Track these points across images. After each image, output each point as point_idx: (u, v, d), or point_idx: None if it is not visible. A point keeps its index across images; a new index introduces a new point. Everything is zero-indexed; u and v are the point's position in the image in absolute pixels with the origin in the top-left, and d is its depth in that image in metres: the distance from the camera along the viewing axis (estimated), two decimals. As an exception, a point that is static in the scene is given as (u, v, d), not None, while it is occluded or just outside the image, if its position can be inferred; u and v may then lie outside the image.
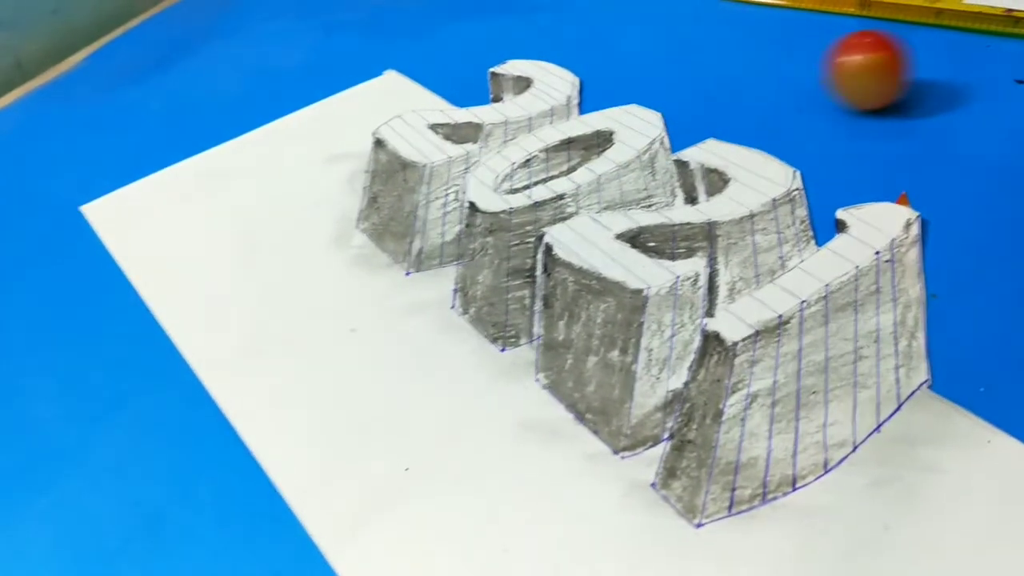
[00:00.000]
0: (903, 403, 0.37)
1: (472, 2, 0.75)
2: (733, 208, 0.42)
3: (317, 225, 0.53)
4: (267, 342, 0.46)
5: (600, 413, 0.39)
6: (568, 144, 0.49)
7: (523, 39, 0.68)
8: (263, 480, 0.40)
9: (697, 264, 0.40)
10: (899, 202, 0.43)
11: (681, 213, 0.42)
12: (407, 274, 0.49)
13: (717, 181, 0.45)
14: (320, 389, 0.43)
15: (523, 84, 0.56)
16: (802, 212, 0.43)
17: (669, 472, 0.36)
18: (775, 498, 0.35)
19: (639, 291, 0.38)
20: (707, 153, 0.46)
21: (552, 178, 0.47)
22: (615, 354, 0.39)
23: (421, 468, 0.39)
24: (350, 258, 0.51)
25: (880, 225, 0.39)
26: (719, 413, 0.35)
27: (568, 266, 0.40)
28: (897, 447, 0.36)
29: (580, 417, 0.40)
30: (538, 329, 0.43)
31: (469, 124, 0.52)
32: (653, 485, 0.37)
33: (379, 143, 0.52)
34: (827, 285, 0.37)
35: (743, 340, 0.35)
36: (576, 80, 0.56)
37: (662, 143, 0.48)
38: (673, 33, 0.66)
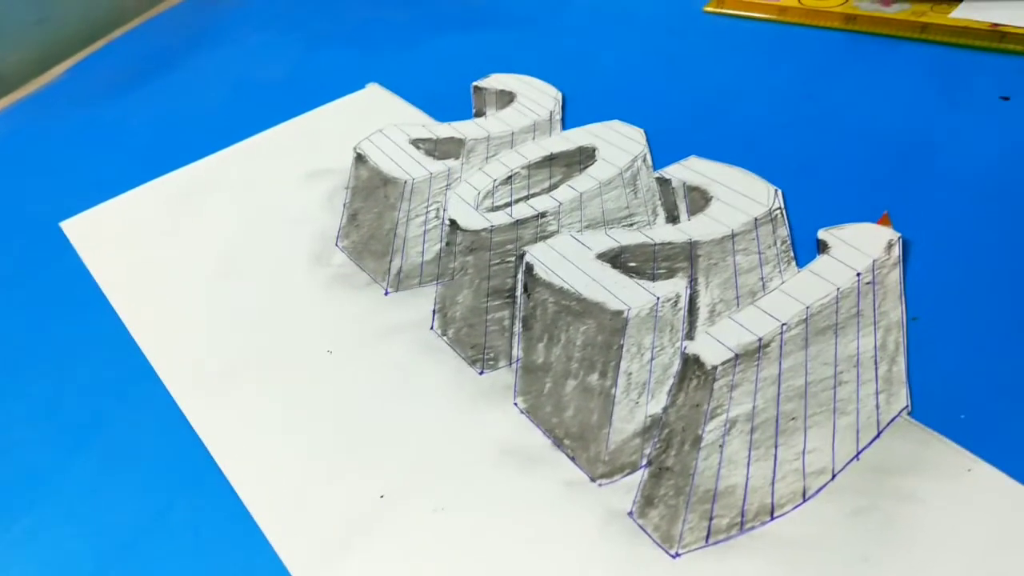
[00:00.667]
0: (883, 430, 0.37)
1: (455, 15, 0.75)
2: (714, 228, 0.42)
3: (296, 243, 0.53)
4: (245, 364, 0.46)
5: (578, 439, 0.39)
6: (550, 161, 0.49)
7: (506, 53, 0.67)
8: (238, 507, 0.39)
9: (678, 285, 0.39)
10: (881, 222, 0.43)
11: (662, 232, 0.42)
12: (386, 293, 0.49)
13: (699, 199, 0.44)
14: (296, 413, 0.43)
15: (506, 98, 0.56)
16: (783, 232, 0.43)
17: (647, 500, 0.36)
18: (753, 527, 0.35)
19: (619, 312, 0.38)
20: (689, 171, 0.46)
21: (534, 195, 0.47)
22: (594, 378, 0.39)
23: (396, 495, 0.38)
24: (329, 277, 0.50)
25: (862, 246, 0.39)
26: (698, 439, 0.35)
27: (548, 286, 0.40)
28: (876, 476, 0.36)
29: (558, 443, 0.40)
30: (517, 352, 0.42)
31: (451, 139, 0.52)
32: (630, 514, 0.36)
33: (360, 158, 0.51)
34: (808, 308, 0.36)
35: (723, 364, 0.35)
36: (559, 95, 0.56)
37: (644, 160, 0.47)
38: (657, 47, 0.66)
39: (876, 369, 0.37)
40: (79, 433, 0.44)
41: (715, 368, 0.35)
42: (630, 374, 0.38)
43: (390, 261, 0.49)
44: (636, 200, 0.47)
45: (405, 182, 0.48)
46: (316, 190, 0.57)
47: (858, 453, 0.37)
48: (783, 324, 0.36)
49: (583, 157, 0.49)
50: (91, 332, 0.50)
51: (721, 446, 0.35)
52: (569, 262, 0.41)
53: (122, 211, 0.59)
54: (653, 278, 0.41)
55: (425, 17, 0.76)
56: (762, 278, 0.42)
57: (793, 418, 0.36)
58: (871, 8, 0.63)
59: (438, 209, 0.49)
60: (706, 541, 0.35)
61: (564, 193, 0.45)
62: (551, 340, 0.40)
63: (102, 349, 0.48)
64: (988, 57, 0.58)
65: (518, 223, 0.44)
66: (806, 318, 0.36)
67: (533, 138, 0.52)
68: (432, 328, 0.46)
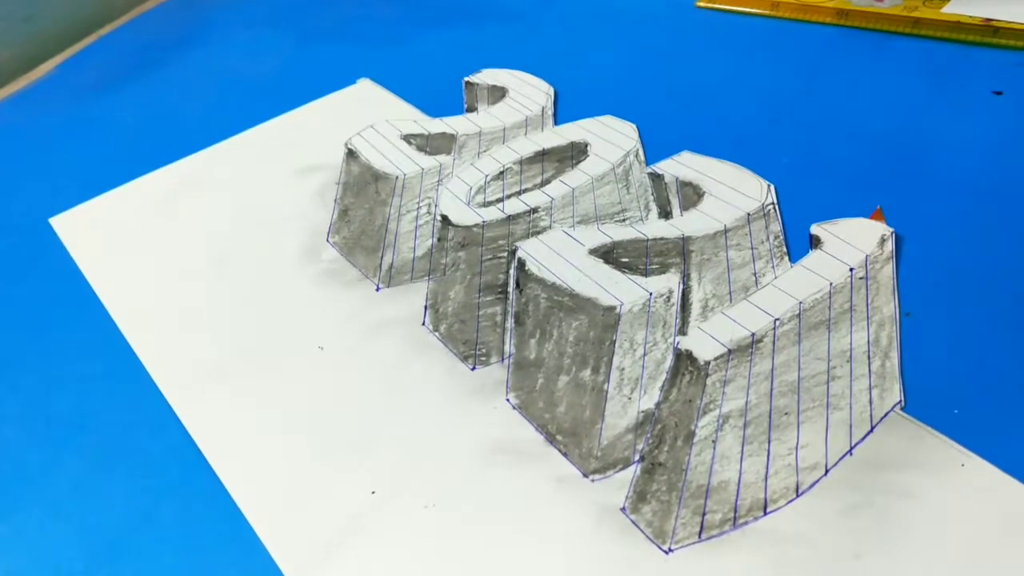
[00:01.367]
0: (876, 425, 0.37)
1: (446, 11, 0.75)
2: (707, 223, 0.41)
3: (288, 238, 0.53)
4: (235, 361, 0.46)
5: (571, 435, 0.39)
6: (542, 156, 0.48)
7: (498, 48, 0.67)
8: (229, 504, 0.39)
9: (670, 280, 0.39)
10: (874, 217, 0.43)
11: (655, 228, 0.41)
12: (378, 289, 0.48)
13: (691, 195, 0.44)
14: (287, 410, 0.43)
15: (498, 93, 0.56)
16: (776, 227, 0.42)
17: (639, 496, 0.36)
18: (746, 523, 0.35)
19: (612, 308, 0.37)
20: (682, 166, 0.46)
21: (526, 191, 0.47)
22: (586, 373, 0.38)
23: (388, 491, 0.38)
24: (320, 273, 0.50)
25: (854, 241, 0.39)
26: (690, 434, 0.35)
27: (540, 282, 0.40)
28: (869, 471, 0.35)
29: (550, 439, 0.39)
30: (509, 347, 0.42)
31: (442, 135, 0.51)
32: (623, 509, 0.36)
33: (351, 154, 0.51)
34: (800, 303, 0.36)
35: (716, 359, 0.34)
36: (551, 90, 0.56)
37: (636, 156, 0.47)
38: (650, 42, 0.66)
39: (869, 364, 0.37)
40: (68, 430, 0.44)
41: (708, 363, 0.34)
42: (623, 370, 0.38)
43: (381, 257, 0.49)
44: (628, 195, 0.47)
45: (396, 178, 0.48)
46: (307, 186, 0.57)
47: (851, 448, 0.36)
48: (776, 319, 0.35)
49: (575, 152, 0.48)
50: (80, 328, 0.49)
51: (714, 441, 0.35)
52: (561, 257, 0.40)
53: (112, 207, 0.58)
54: (646, 273, 0.41)
55: (416, 12, 0.75)
56: (755, 273, 0.42)
57: (786, 413, 0.36)
58: (864, 3, 0.63)
59: (429, 205, 0.48)
60: (699, 537, 0.35)
61: (556, 188, 0.45)
62: (543, 336, 0.40)
63: (91, 346, 0.48)
64: (980, 52, 0.58)
65: (510, 218, 0.44)
66: (799, 313, 0.36)
67: (525, 133, 0.52)
68: (424, 324, 0.46)
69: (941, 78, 0.55)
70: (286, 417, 0.42)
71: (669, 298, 0.38)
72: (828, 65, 0.58)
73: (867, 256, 0.38)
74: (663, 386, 0.37)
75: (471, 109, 0.58)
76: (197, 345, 0.47)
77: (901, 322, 0.39)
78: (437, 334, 0.45)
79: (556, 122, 0.54)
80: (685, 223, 0.42)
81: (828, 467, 0.36)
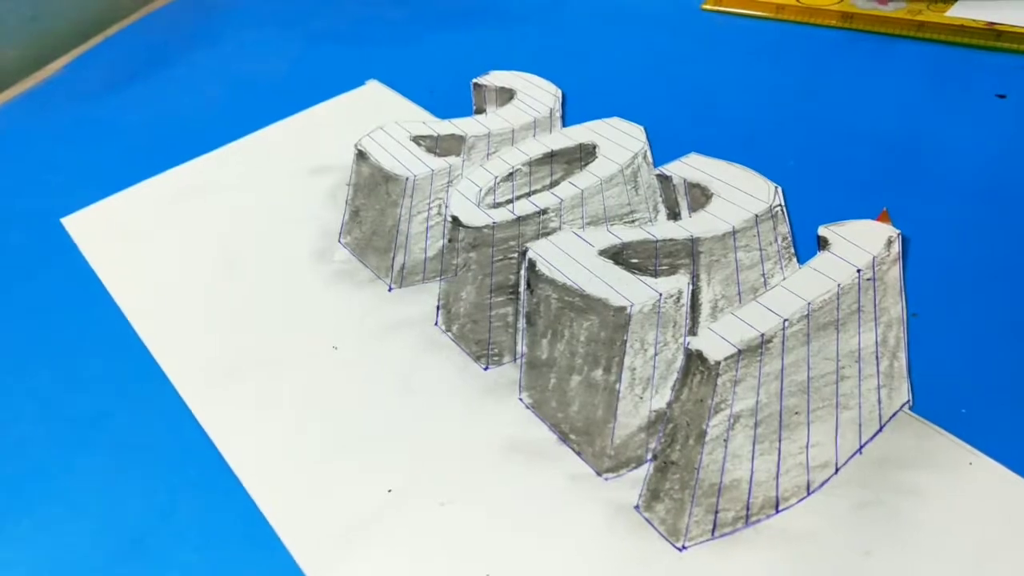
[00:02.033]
0: (885, 424, 0.38)
1: (455, 12, 0.75)
2: (715, 224, 0.42)
3: (299, 239, 0.53)
4: (250, 360, 0.46)
5: (583, 434, 0.39)
6: (551, 158, 0.49)
7: (506, 50, 0.68)
8: (247, 501, 0.39)
9: (680, 281, 0.40)
10: (880, 219, 0.43)
11: (664, 229, 0.42)
12: (390, 290, 0.49)
13: (700, 196, 0.45)
14: (303, 408, 0.43)
15: (506, 96, 0.56)
16: (784, 229, 0.43)
17: (652, 494, 0.36)
18: (758, 520, 0.35)
19: (622, 308, 0.38)
20: (689, 168, 0.46)
21: (535, 192, 0.47)
22: (598, 373, 0.39)
23: (404, 489, 0.39)
24: (332, 273, 0.51)
25: (861, 243, 0.39)
26: (702, 434, 0.35)
27: (551, 283, 0.40)
28: (879, 469, 0.36)
29: (563, 438, 0.40)
30: (521, 347, 0.42)
31: (452, 136, 0.52)
32: (637, 507, 0.37)
33: (361, 155, 0.51)
34: (809, 304, 0.37)
35: (726, 359, 0.35)
36: (559, 92, 0.56)
37: (645, 157, 0.48)
38: (656, 45, 0.66)
39: (878, 364, 0.38)
40: (85, 430, 0.44)
41: (718, 363, 0.35)
42: (634, 369, 0.38)
43: (393, 257, 0.49)
44: (637, 197, 0.47)
45: (407, 179, 0.48)
46: (317, 187, 0.57)
47: (861, 447, 0.37)
48: (785, 320, 0.36)
49: (584, 154, 0.49)
50: (95, 328, 0.50)
51: (725, 440, 0.35)
52: (572, 258, 0.41)
53: (123, 207, 0.59)
54: (655, 274, 0.41)
55: (425, 14, 0.76)
56: (763, 274, 0.42)
57: (796, 413, 0.36)
58: (868, 6, 0.64)
59: (440, 206, 0.49)
60: (712, 534, 0.35)
61: (566, 190, 0.46)
62: (555, 336, 0.41)
63: (107, 345, 0.48)
64: (984, 55, 0.58)
65: (520, 220, 0.44)
66: (808, 314, 0.36)
67: (533, 135, 0.52)
68: (436, 324, 0.46)
69: (945, 81, 0.56)
70: (302, 415, 0.43)
71: (679, 299, 0.39)
72: (833, 68, 0.59)
73: (874, 257, 0.38)
74: (674, 386, 0.37)
75: (479, 111, 0.58)
76: (211, 344, 0.47)
77: (908, 323, 0.39)
78: (450, 334, 0.46)
79: (564, 124, 0.55)
80: (694, 224, 0.42)
81: (838, 466, 0.36)
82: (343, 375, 0.44)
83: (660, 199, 0.47)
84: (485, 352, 0.44)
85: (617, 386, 0.38)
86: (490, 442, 0.40)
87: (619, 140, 0.49)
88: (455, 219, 0.45)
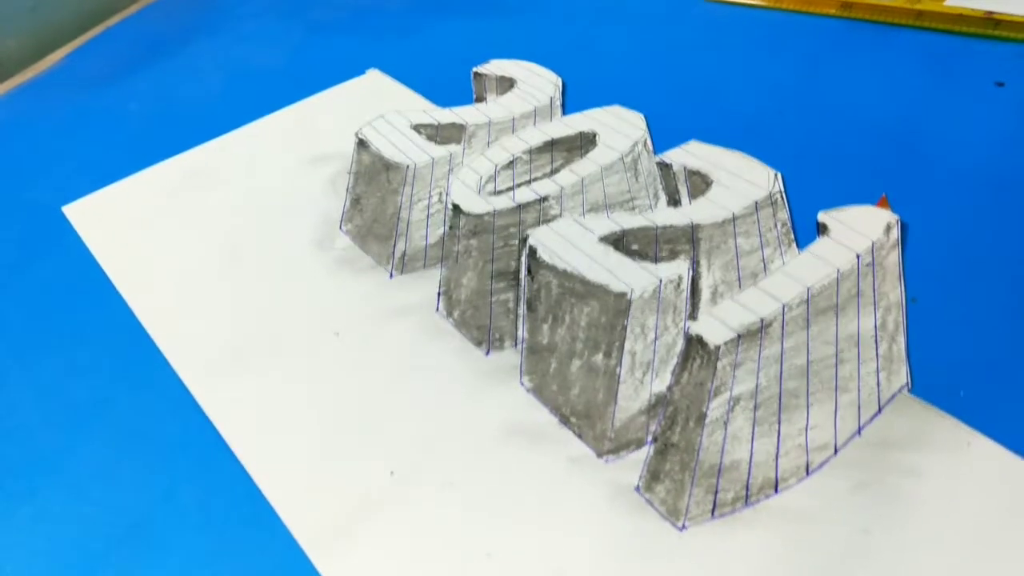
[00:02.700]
0: (884, 407, 0.38)
1: (455, 1, 0.75)
2: (715, 211, 0.42)
3: (300, 227, 0.53)
4: (252, 346, 0.46)
5: (584, 416, 0.39)
6: (551, 146, 0.49)
7: (506, 39, 0.68)
8: (249, 485, 0.40)
9: (680, 267, 0.40)
10: (879, 205, 0.43)
11: (664, 215, 0.42)
12: (391, 276, 0.49)
13: (699, 183, 0.45)
14: (305, 393, 0.43)
15: (506, 84, 0.56)
16: (783, 215, 0.43)
17: (653, 475, 0.37)
18: (758, 501, 0.36)
19: (623, 294, 0.38)
20: (689, 155, 0.46)
21: (535, 180, 0.48)
22: (599, 357, 0.39)
23: (406, 472, 0.39)
24: (334, 260, 0.51)
25: (861, 228, 0.39)
26: (702, 416, 0.36)
27: (552, 269, 0.40)
28: (878, 451, 0.36)
29: (564, 421, 0.40)
30: (522, 332, 0.43)
31: (452, 125, 0.52)
32: (637, 488, 0.37)
33: (362, 143, 0.52)
34: (808, 288, 0.37)
35: (726, 344, 0.35)
36: (559, 80, 0.56)
37: (645, 145, 0.48)
38: (656, 33, 0.66)
39: (876, 348, 0.38)
40: (88, 415, 0.44)
41: (718, 348, 0.35)
42: (634, 354, 0.38)
43: (394, 245, 0.49)
44: (637, 184, 0.47)
45: (408, 167, 0.49)
46: (318, 175, 0.57)
47: (860, 429, 0.37)
48: (784, 305, 0.36)
49: (584, 142, 0.49)
50: (97, 315, 0.50)
51: (725, 423, 0.36)
52: (572, 245, 0.41)
53: (124, 196, 0.59)
54: (655, 260, 0.41)
55: (424, 3, 0.76)
56: (763, 260, 0.43)
57: (796, 395, 0.36)
58: (866, -5, 0.64)
59: (441, 194, 0.49)
60: (712, 514, 0.35)
61: (566, 177, 0.46)
62: (555, 321, 0.41)
63: (109, 332, 0.49)
64: (982, 44, 0.58)
65: (521, 207, 0.44)
66: (807, 299, 0.37)
67: (534, 123, 0.52)
68: (437, 310, 0.47)
69: (944, 69, 0.56)
70: (303, 400, 0.43)
71: (679, 284, 0.39)
72: (832, 56, 0.59)
73: (874, 243, 0.39)
74: (675, 370, 0.37)
75: (480, 99, 0.58)
76: (213, 331, 0.48)
77: (907, 307, 0.40)
78: (451, 320, 0.46)
79: (564, 112, 0.55)
80: (694, 211, 0.42)
81: (837, 447, 0.37)
82: (345, 361, 0.45)
83: (660, 186, 0.48)
84: (486, 337, 0.44)
85: (618, 370, 0.38)
86: (491, 425, 0.40)
87: (619, 128, 0.49)
88: (456, 207, 0.45)
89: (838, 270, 0.37)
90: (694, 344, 0.36)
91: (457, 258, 0.45)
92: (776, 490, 0.36)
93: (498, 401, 0.41)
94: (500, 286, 0.44)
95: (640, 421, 0.38)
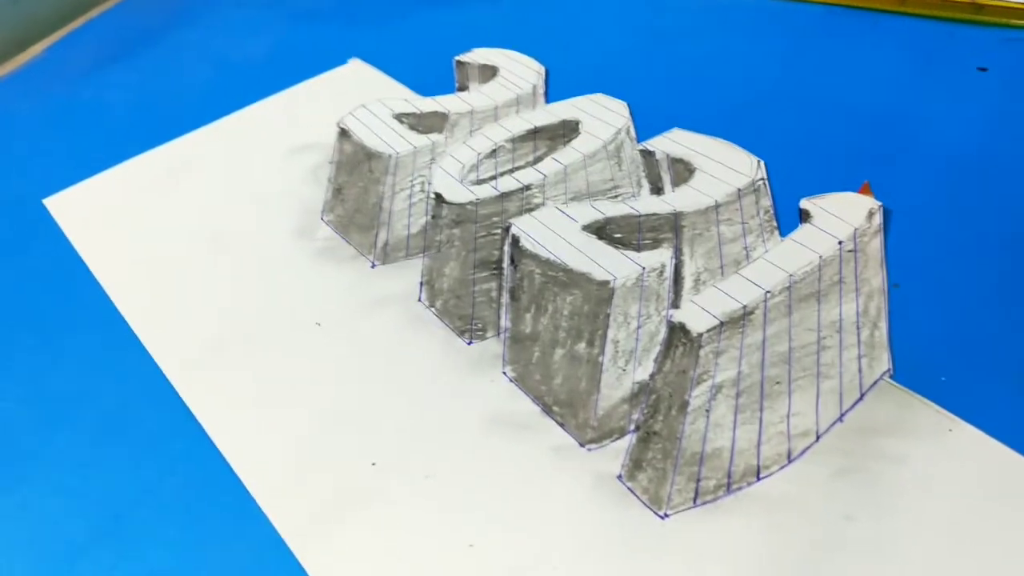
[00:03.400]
0: (865, 393, 0.38)
1: (437, -11, 0.75)
2: (698, 199, 0.42)
3: (282, 217, 0.53)
4: (233, 337, 0.46)
5: (567, 406, 0.39)
6: (534, 134, 0.49)
7: (488, 27, 0.67)
8: (230, 477, 0.40)
9: (663, 255, 0.40)
10: (862, 191, 0.43)
11: (647, 204, 0.42)
12: (373, 266, 0.49)
13: (683, 171, 0.45)
14: (286, 384, 0.43)
15: (489, 73, 0.56)
16: (766, 202, 0.43)
17: (635, 464, 0.37)
18: (739, 488, 0.36)
19: (605, 283, 0.38)
20: (672, 143, 0.46)
21: (518, 168, 0.47)
22: (582, 346, 0.39)
23: (388, 463, 0.39)
24: (315, 250, 0.51)
25: (843, 215, 0.39)
26: (684, 404, 0.35)
27: (535, 258, 0.40)
28: (859, 437, 0.36)
29: (547, 410, 0.40)
30: (505, 322, 0.43)
31: (435, 114, 0.52)
32: (619, 477, 0.37)
33: (344, 133, 0.51)
34: (791, 275, 0.37)
35: (708, 331, 0.35)
36: (542, 69, 0.56)
37: (628, 133, 0.48)
38: (639, 21, 0.66)
39: (858, 334, 0.38)
40: (68, 407, 0.44)
41: (700, 335, 0.35)
42: (617, 342, 0.38)
43: (376, 234, 0.49)
44: (620, 172, 0.47)
45: (390, 156, 0.48)
46: (300, 165, 0.57)
47: (842, 415, 0.37)
48: (767, 292, 0.36)
49: (567, 130, 0.49)
50: (78, 307, 0.50)
51: (707, 411, 0.35)
52: (555, 234, 0.41)
53: (106, 187, 0.59)
54: (638, 248, 0.41)
55: (406, -8, 0.76)
56: (746, 247, 0.42)
57: (778, 383, 0.36)
58: (850, -18, 0.64)
59: (423, 183, 0.49)
60: (694, 502, 0.35)
61: (549, 166, 0.46)
62: (538, 310, 0.41)
63: (90, 324, 0.48)
64: (966, 29, 0.58)
65: (503, 196, 0.44)
66: (789, 286, 0.37)
67: (516, 112, 0.52)
68: (420, 300, 0.46)
69: (928, 55, 0.56)
70: (285, 391, 0.43)
71: (662, 272, 0.39)
72: (816, 43, 0.59)
73: (856, 229, 0.39)
74: (657, 358, 0.37)
75: (462, 88, 0.58)
76: (194, 322, 0.47)
77: (889, 293, 0.40)
78: (433, 310, 0.46)
79: (547, 100, 0.54)
80: (677, 199, 0.42)
81: (819, 434, 0.37)
82: (327, 351, 0.44)
83: (643, 174, 0.47)
84: (468, 327, 0.44)
85: (600, 359, 0.38)
86: (474, 415, 0.40)
87: (602, 116, 0.49)
88: (438, 196, 0.45)
89: (820, 257, 0.37)
90: (677, 332, 0.36)
91: (439, 247, 0.45)
92: (758, 477, 0.36)
93: (481, 391, 0.41)
94: (483, 275, 0.44)
95: (623, 410, 0.38)
